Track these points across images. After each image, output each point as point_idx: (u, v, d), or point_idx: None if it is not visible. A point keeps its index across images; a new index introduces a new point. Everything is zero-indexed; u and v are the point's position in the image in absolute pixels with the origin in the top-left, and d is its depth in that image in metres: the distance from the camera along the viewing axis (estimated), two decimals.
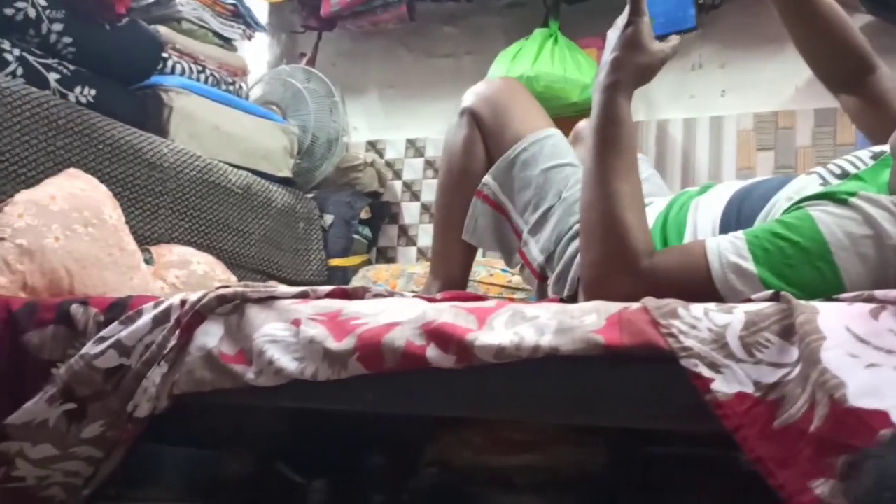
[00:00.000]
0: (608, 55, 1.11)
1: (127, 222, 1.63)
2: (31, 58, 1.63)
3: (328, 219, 2.48)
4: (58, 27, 1.69)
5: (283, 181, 2.35)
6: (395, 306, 0.97)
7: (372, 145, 2.77)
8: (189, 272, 1.78)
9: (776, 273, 0.92)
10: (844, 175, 1.04)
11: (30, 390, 1.08)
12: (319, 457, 1.50)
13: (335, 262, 2.45)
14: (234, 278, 1.90)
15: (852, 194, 0.93)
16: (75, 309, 1.15)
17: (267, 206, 2.19)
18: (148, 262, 1.71)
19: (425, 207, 2.65)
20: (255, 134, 2.26)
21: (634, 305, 0.83)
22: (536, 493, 1.34)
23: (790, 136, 2.20)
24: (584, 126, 1.63)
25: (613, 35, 1.12)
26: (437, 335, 0.88)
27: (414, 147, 2.72)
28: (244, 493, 1.44)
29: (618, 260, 1.01)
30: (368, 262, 2.56)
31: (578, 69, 2.24)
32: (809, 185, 1.05)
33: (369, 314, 0.95)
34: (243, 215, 2.09)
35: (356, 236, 2.53)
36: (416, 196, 2.69)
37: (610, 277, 1.01)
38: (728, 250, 0.96)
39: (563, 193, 1.32)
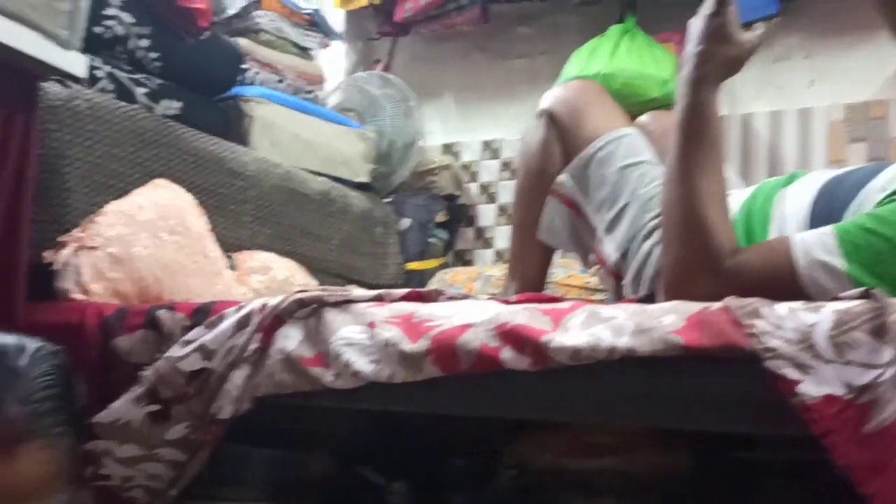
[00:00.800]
0: (693, 47, 1.07)
1: (211, 230, 1.68)
2: (119, 73, 1.70)
3: (405, 222, 2.50)
4: (145, 43, 1.75)
5: (361, 186, 2.38)
6: (469, 308, 0.97)
7: (448, 148, 2.78)
8: (270, 277, 1.82)
9: (867, 270, 0.88)
10: None
11: (118, 393, 1.13)
12: (399, 459, 1.51)
13: (412, 265, 2.47)
14: (314, 283, 1.93)
15: None
16: (162, 314, 1.19)
17: (345, 211, 2.22)
18: (231, 268, 1.76)
19: (502, 209, 2.64)
20: (334, 140, 2.30)
21: (715, 305, 0.81)
22: (616, 498, 1.32)
23: (882, 126, 2.10)
24: (648, 121, 1.60)
25: (697, 25, 1.08)
26: (512, 337, 0.88)
27: (490, 149, 2.71)
28: (325, 494, 1.46)
29: (700, 259, 0.98)
30: (445, 265, 2.57)
31: (656, 64, 2.19)
32: None
33: (443, 316, 0.96)
34: (322, 221, 2.13)
35: (433, 239, 2.54)
36: (492, 198, 2.68)
37: (692, 277, 0.98)
38: (815, 246, 0.92)
39: (638, 191, 1.30)
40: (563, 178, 1.42)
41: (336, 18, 2.79)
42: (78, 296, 1.35)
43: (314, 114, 2.27)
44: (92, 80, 1.63)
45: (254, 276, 1.80)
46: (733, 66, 1.07)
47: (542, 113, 1.48)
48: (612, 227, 1.33)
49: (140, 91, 1.73)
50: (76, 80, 1.45)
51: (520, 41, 2.70)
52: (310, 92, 2.36)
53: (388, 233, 2.41)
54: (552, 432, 1.34)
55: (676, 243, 1.02)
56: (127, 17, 1.72)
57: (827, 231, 0.94)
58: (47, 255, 1.39)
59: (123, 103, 1.64)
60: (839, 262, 0.90)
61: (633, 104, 2.00)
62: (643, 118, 1.65)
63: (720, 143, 1.07)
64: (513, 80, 2.68)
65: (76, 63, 1.34)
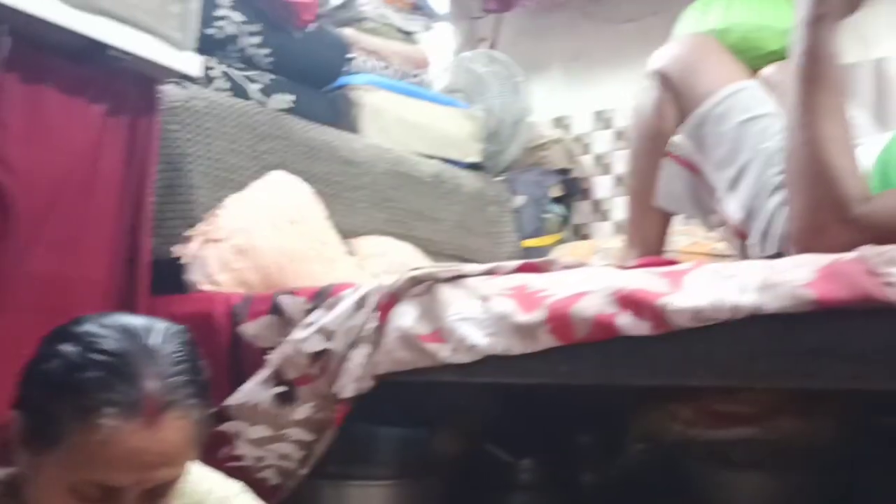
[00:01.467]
0: None
1: (328, 217, 1.71)
2: (233, 71, 1.76)
3: (519, 200, 2.48)
4: (255, 40, 1.81)
5: (472, 166, 2.37)
6: (584, 276, 0.94)
7: (558, 122, 2.74)
8: (389, 261, 1.84)
9: None
10: None
11: (247, 377, 1.17)
12: (527, 436, 1.51)
13: (529, 242, 2.44)
14: (429, 265, 1.95)
15: None
16: (285, 299, 1.23)
17: (457, 192, 2.22)
18: (349, 254, 1.79)
19: (618, 180, 2.57)
20: (441, 122, 2.30)
21: (849, 255, 0.75)
22: (757, 469, 1.26)
23: None
24: (772, 72, 1.51)
25: None
26: (630, 301, 0.85)
27: (602, 119, 2.65)
28: (454, 472, 1.47)
29: (828, 208, 0.93)
30: (562, 241, 2.53)
31: (776, 13, 2.05)
32: None
33: (557, 286, 0.94)
34: (435, 203, 2.14)
35: (548, 215, 2.51)
36: (606, 169, 2.62)
37: (821, 227, 0.94)
38: None
39: (760, 145, 1.23)
40: (678, 138, 1.36)
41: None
42: (207, 287, 1.41)
43: (421, 97, 2.28)
44: (208, 80, 1.69)
45: (372, 261, 1.83)
46: (854, 2, 1.02)
47: (654, 74, 1.42)
48: (734, 184, 1.27)
49: (253, 87, 1.79)
50: (192, 80, 1.51)
51: (628, 4, 2.61)
52: (416, 76, 2.37)
53: (502, 211, 2.40)
54: (682, 403, 1.29)
55: (801, 192, 0.98)
56: (237, 16, 1.77)
57: None
58: (176, 250, 1.46)
59: (238, 100, 1.70)
60: None
61: (754, 58, 1.88)
62: (766, 70, 1.57)
63: (841, 85, 1.02)
64: (622, 45, 2.60)
65: (191, 63, 1.39)
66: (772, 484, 1.26)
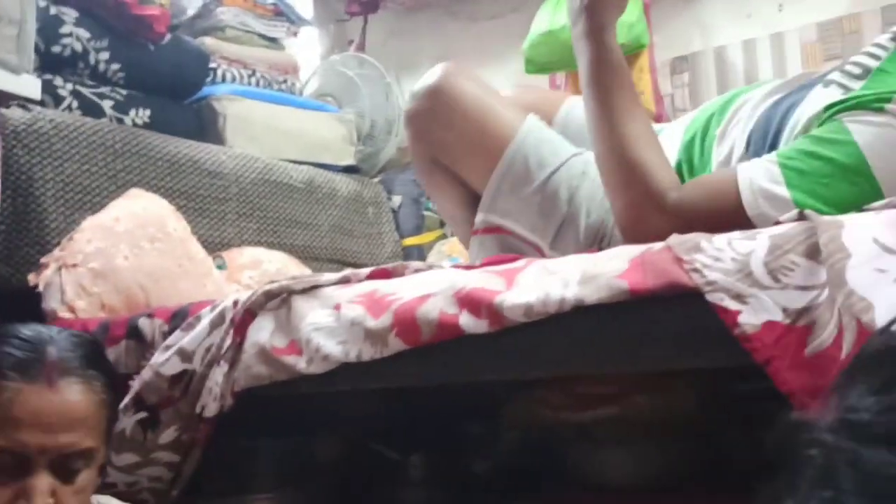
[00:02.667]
0: (577, 2, 1.09)
1: (195, 231, 1.69)
2: (84, 89, 1.71)
3: (397, 200, 2.50)
4: (104, 55, 1.75)
5: (348, 169, 2.38)
6: (429, 278, 0.97)
7: None
8: (262, 272, 1.83)
9: (811, 194, 0.87)
10: (866, 73, 0.96)
11: None
12: (414, 432, 1.53)
13: (409, 241, 2.47)
14: (307, 271, 1.95)
15: (888, 100, 0.86)
16: (143, 322, 1.21)
17: (332, 196, 2.23)
18: (221, 267, 1.77)
19: None
20: (312, 127, 2.30)
21: (658, 245, 0.80)
22: (621, 445, 1.32)
23: (858, 40, 2.06)
24: (516, 95, 1.51)
25: None
26: (469, 301, 0.88)
27: None
28: (340, 475, 1.48)
29: (645, 201, 0.99)
30: (443, 237, 2.57)
31: None
32: (830, 100, 0.98)
33: (404, 289, 0.96)
34: (310, 209, 2.14)
35: (427, 212, 2.54)
36: None
37: (642, 219, 0.99)
38: (759, 176, 0.91)
39: (576, 197, 1.22)
40: (478, 218, 1.30)
41: (304, 3, 2.77)
42: (65, 314, 1.37)
43: (289, 103, 2.27)
44: (55, 100, 1.64)
45: (245, 272, 1.81)
46: (622, 4, 1.09)
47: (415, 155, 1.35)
48: (557, 242, 1.25)
49: (107, 104, 1.74)
50: (35, 102, 1.46)
51: (489, 2, 2.67)
52: (284, 82, 2.36)
53: (381, 212, 2.42)
54: (550, 389, 1.34)
55: (619, 191, 1.03)
56: (83, 33, 1.72)
57: (772, 158, 0.93)
58: (31, 278, 1.41)
59: (88, 119, 1.65)
60: (783, 190, 0.89)
61: None
62: (508, 93, 1.52)
63: (631, 83, 1.08)
64: (487, 42, 2.66)
65: (29, 86, 1.36)
66: (636, 458, 1.32)
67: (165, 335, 1.16)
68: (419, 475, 1.53)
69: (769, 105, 1.07)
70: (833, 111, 0.91)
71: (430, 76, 1.32)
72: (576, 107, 1.41)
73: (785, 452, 0.40)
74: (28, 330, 0.91)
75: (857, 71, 0.98)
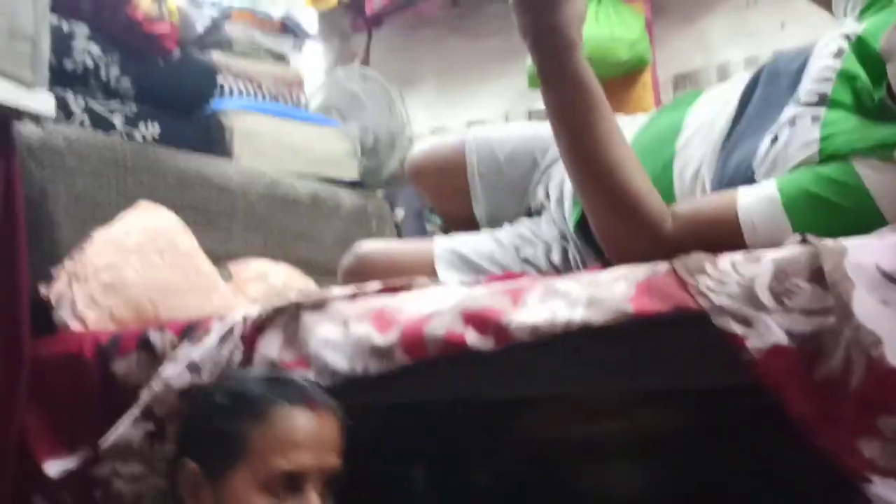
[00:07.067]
0: (531, 29, 1.03)
1: (202, 245, 1.70)
2: (95, 104, 1.73)
3: (399, 213, 2.52)
4: (115, 71, 1.78)
5: (352, 184, 2.40)
6: (437, 295, 0.99)
7: (434, 134, 2.80)
8: (268, 285, 1.85)
9: (816, 232, 0.87)
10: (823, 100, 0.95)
11: (121, 416, 1.17)
12: (414, 447, 1.54)
13: None
14: (312, 284, 1.97)
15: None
16: (153, 335, 1.23)
17: (337, 209, 2.25)
18: (227, 279, 1.79)
19: None
20: (317, 142, 2.32)
21: (662, 267, 0.82)
22: (622, 460, 1.34)
23: None
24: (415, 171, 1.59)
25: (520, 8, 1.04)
26: (475, 319, 0.90)
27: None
28: (344, 487, 1.49)
29: (637, 233, 0.97)
30: None
31: (625, 26, 2.19)
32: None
33: (411, 305, 0.98)
34: (314, 222, 2.16)
35: (429, 225, 2.56)
36: None
37: (634, 252, 0.95)
38: (762, 216, 0.91)
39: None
40: None
41: (310, 19, 2.80)
42: (75, 326, 1.39)
43: (295, 117, 2.29)
44: (68, 115, 1.66)
45: (251, 286, 1.83)
46: (580, 17, 1.01)
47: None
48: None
49: (118, 119, 1.77)
50: (49, 118, 1.48)
51: (492, 19, 2.70)
52: (291, 96, 2.38)
53: (385, 225, 2.44)
54: (552, 403, 1.36)
55: (606, 221, 1.00)
56: (95, 49, 1.75)
57: (773, 196, 0.92)
58: (42, 290, 1.43)
59: (100, 134, 1.68)
60: (788, 230, 0.88)
61: (603, 68, 2.00)
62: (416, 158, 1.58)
63: (606, 104, 1.01)
64: (490, 58, 2.69)
65: (44, 102, 1.37)
66: (637, 473, 1.34)
67: (176, 348, 1.18)
68: (420, 488, 1.55)
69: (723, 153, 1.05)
70: (845, 140, 0.90)
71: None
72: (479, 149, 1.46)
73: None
74: (258, 370, 1.02)
75: (814, 99, 0.96)
